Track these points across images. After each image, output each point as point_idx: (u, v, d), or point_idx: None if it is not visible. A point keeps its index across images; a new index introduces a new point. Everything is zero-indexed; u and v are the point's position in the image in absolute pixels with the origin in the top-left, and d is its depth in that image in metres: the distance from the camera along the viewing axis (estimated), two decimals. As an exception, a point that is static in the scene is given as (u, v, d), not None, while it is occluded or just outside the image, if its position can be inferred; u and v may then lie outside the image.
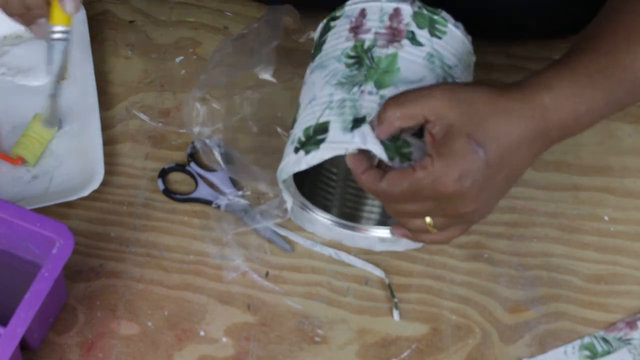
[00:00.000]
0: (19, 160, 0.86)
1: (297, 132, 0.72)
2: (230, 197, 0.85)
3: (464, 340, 0.80)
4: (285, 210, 0.80)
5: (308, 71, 0.77)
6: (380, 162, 0.69)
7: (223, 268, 0.83)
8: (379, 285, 0.82)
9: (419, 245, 0.81)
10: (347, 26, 0.75)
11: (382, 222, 0.81)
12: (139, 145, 0.89)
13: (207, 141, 0.84)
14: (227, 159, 0.85)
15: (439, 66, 0.73)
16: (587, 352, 0.79)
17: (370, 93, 0.70)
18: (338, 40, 0.75)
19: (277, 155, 0.77)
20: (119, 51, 0.95)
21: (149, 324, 0.80)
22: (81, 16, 0.94)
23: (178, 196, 0.86)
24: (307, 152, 0.70)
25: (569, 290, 0.82)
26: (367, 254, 0.83)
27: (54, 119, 0.87)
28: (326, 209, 0.81)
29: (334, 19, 0.77)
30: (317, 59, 0.76)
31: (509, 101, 0.67)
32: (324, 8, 0.80)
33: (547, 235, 0.85)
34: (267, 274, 0.83)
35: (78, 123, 0.89)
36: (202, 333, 0.80)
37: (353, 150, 0.69)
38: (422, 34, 0.73)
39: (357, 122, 0.69)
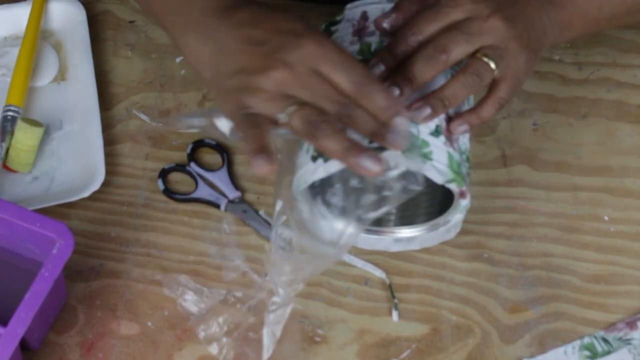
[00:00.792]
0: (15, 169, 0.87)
1: None
2: (231, 197, 0.85)
3: (464, 340, 0.80)
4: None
5: None
6: None
7: (223, 268, 0.83)
8: (379, 286, 0.82)
9: (435, 242, 0.80)
10: (350, 30, 0.75)
11: (402, 222, 0.81)
12: (139, 146, 0.89)
13: None
14: None
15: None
16: (587, 352, 0.79)
17: None
18: (343, 45, 0.74)
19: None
20: (119, 51, 0.95)
21: (149, 324, 0.80)
22: (81, 16, 0.94)
23: (178, 196, 0.86)
24: (325, 160, 0.70)
25: (569, 291, 0.82)
26: (367, 254, 0.83)
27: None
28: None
29: (334, 23, 0.77)
30: None
31: None
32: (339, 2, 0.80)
33: (547, 235, 0.85)
34: (267, 274, 0.83)
35: (78, 123, 0.89)
36: (202, 333, 0.80)
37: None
38: None
39: None
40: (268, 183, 0.86)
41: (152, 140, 0.90)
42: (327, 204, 0.78)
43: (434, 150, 0.70)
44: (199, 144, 0.88)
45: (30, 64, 0.91)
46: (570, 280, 0.83)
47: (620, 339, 0.80)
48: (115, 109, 0.91)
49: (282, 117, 0.67)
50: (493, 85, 0.72)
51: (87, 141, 0.87)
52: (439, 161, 0.70)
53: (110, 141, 0.89)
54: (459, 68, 0.71)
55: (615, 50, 0.94)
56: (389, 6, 0.74)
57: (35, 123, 0.87)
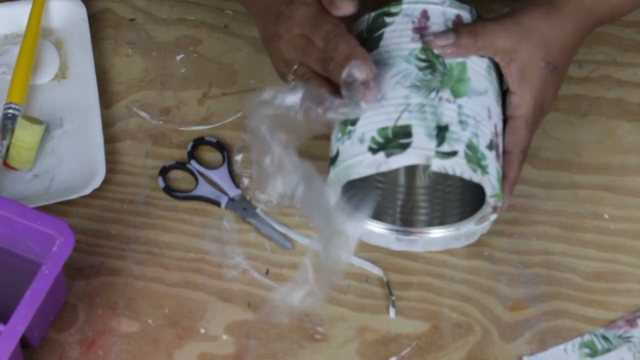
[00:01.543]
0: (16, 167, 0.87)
1: (369, 131, 0.71)
2: (231, 194, 0.86)
3: (464, 338, 0.80)
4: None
5: None
6: None
7: (223, 266, 0.83)
8: (379, 283, 0.82)
9: (439, 248, 0.81)
10: (410, 25, 0.74)
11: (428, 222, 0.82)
12: (139, 144, 0.89)
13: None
14: None
15: (495, 78, 0.74)
16: (587, 350, 0.79)
17: (448, 101, 0.70)
18: (402, 39, 0.74)
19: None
20: (119, 49, 0.95)
21: (150, 321, 0.80)
22: (81, 14, 0.94)
23: (178, 194, 0.86)
24: (388, 155, 0.69)
25: (569, 288, 0.82)
26: (367, 252, 0.83)
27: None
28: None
29: (389, 14, 0.75)
30: (375, 54, 0.74)
31: (557, 12, 0.76)
32: None
33: (547, 233, 0.85)
34: (267, 272, 0.83)
35: (79, 121, 0.89)
36: (202, 331, 0.80)
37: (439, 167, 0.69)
38: None
39: (441, 130, 0.70)
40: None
41: (152, 138, 0.90)
42: (357, 201, 0.76)
43: (489, 164, 0.71)
44: (199, 142, 0.88)
45: (31, 62, 0.91)
46: (571, 278, 0.83)
47: (620, 336, 0.80)
48: (115, 107, 0.91)
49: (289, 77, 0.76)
50: (505, 165, 0.75)
51: (88, 139, 0.87)
52: (492, 174, 0.71)
53: (110, 139, 0.89)
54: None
55: (615, 48, 0.94)
56: (449, 10, 0.74)
57: (35, 121, 0.87)
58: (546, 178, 0.88)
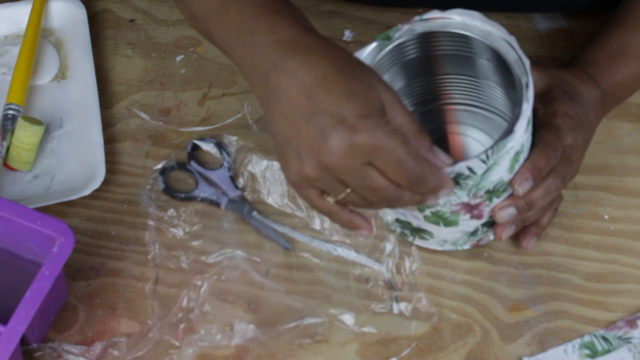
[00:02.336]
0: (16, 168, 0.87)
1: None
2: (231, 195, 0.86)
3: (464, 339, 0.80)
4: None
5: None
6: None
7: (223, 266, 0.83)
8: (380, 284, 0.82)
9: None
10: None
11: None
12: (139, 144, 0.89)
13: None
14: None
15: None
16: (587, 351, 0.79)
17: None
18: None
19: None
20: (119, 50, 0.95)
21: (149, 322, 0.80)
22: (81, 15, 0.94)
23: (178, 194, 0.86)
24: None
25: (569, 289, 0.82)
26: (366, 253, 0.83)
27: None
28: None
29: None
30: None
31: (579, 84, 0.81)
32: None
33: (547, 234, 0.85)
34: (267, 273, 0.83)
35: (79, 122, 0.89)
36: (202, 331, 0.80)
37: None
38: None
39: None
40: (267, 183, 0.86)
41: (152, 139, 0.90)
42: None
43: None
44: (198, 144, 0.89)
45: (31, 63, 0.91)
46: (570, 279, 0.83)
47: (620, 337, 0.80)
48: (115, 108, 0.92)
49: (329, 199, 0.68)
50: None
51: (88, 140, 0.87)
52: None
53: (110, 140, 0.89)
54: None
55: (615, 49, 0.94)
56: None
57: (35, 121, 0.87)
58: (546, 179, 0.88)
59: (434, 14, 0.74)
